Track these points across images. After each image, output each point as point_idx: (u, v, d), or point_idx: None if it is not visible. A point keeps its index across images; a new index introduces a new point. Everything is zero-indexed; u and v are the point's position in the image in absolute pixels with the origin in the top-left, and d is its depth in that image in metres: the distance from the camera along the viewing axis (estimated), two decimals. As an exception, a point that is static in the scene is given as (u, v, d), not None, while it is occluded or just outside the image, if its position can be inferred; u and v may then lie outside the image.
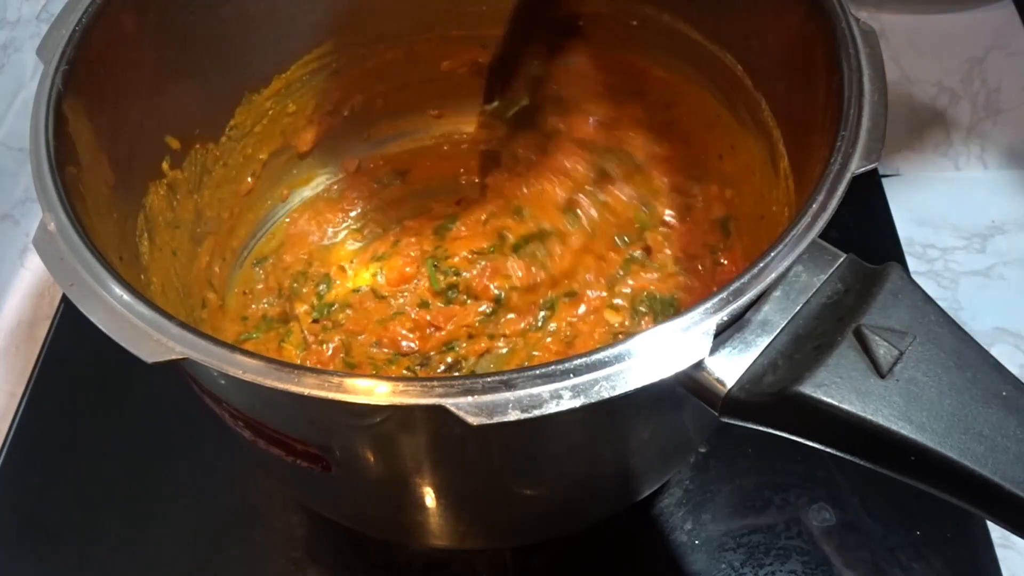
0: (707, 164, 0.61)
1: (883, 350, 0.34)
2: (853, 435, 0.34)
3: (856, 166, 0.38)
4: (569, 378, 0.33)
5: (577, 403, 0.32)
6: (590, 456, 0.44)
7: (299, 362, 0.59)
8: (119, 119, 0.49)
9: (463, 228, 0.66)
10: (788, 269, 0.35)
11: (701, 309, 0.34)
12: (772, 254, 0.35)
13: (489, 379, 0.32)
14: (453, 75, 0.67)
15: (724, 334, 0.36)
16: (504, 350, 0.61)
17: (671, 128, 0.63)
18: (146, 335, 0.35)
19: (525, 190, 0.65)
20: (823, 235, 0.37)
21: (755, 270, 0.35)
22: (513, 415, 0.32)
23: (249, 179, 0.63)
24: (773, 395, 0.35)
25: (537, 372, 0.33)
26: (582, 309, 0.61)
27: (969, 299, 0.70)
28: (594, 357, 0.33)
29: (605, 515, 0.55)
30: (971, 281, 0.71)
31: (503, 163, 0.68)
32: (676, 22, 0.57)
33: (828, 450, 0.36)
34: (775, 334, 0.37)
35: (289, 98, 0.62)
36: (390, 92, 0.67)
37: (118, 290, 0.36)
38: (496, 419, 0.32)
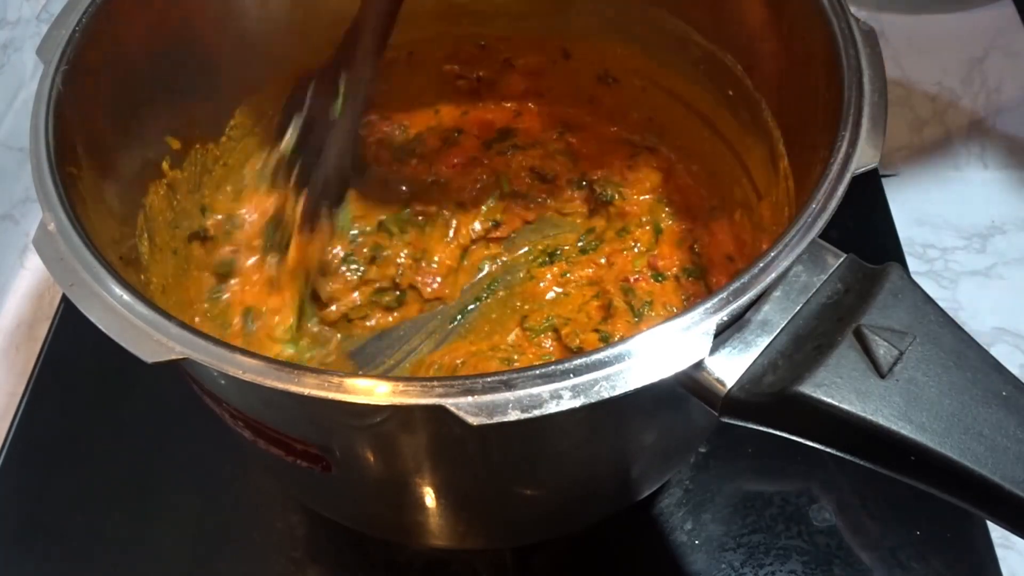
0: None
1: (883, 350, 0.34)
2: (853, 435, 0.34)
3: (856, 166, 0.38)
4: (569, 378, 0.33)
5: (577, 403, 0.32)
6: (590, 456, 0.44)
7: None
8: (119, 119, 0.49)
9: None
10: (788, 269, 0.35)
11: (701, 309, 0.34)
12: (772, 254, 0.35)
13: (489, 379, 0.32)
14: (453, 78, 0.67)
15: (724, 334, 0.36)
16: None
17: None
18: (146, 335, 0.35)
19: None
20: (823, 235, 0.37)
21: (755, 270, 0.35)
22: (513, 415, 0.32)
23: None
24: (773, 395, 0.35)
25: (537, 372, 0.33)
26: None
27: (969, 299, 0.70)
28: (594, 357, 0.33)
29: (605, 515, 0.55)
30: (971, 281, 0.71)
31: None
32: (677, 22, 0.57)
33: (828, 450, 0.36)
34: (775, 334, 0.37)
35: (289, 98, 0.62)
36: (390, 92, 0.67)
37: (118, 290, 0.36)
38: (496, 419, 0.32)
